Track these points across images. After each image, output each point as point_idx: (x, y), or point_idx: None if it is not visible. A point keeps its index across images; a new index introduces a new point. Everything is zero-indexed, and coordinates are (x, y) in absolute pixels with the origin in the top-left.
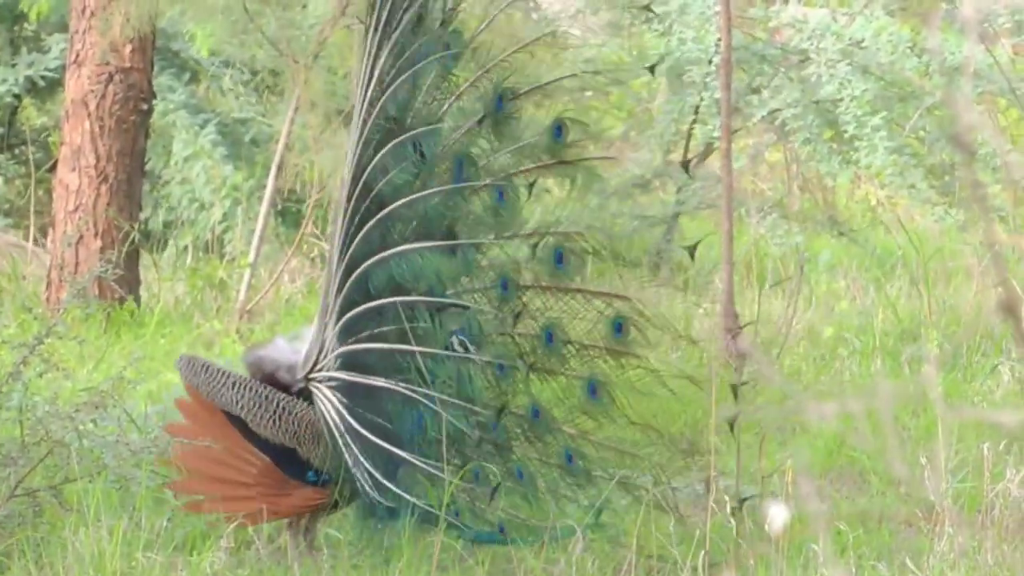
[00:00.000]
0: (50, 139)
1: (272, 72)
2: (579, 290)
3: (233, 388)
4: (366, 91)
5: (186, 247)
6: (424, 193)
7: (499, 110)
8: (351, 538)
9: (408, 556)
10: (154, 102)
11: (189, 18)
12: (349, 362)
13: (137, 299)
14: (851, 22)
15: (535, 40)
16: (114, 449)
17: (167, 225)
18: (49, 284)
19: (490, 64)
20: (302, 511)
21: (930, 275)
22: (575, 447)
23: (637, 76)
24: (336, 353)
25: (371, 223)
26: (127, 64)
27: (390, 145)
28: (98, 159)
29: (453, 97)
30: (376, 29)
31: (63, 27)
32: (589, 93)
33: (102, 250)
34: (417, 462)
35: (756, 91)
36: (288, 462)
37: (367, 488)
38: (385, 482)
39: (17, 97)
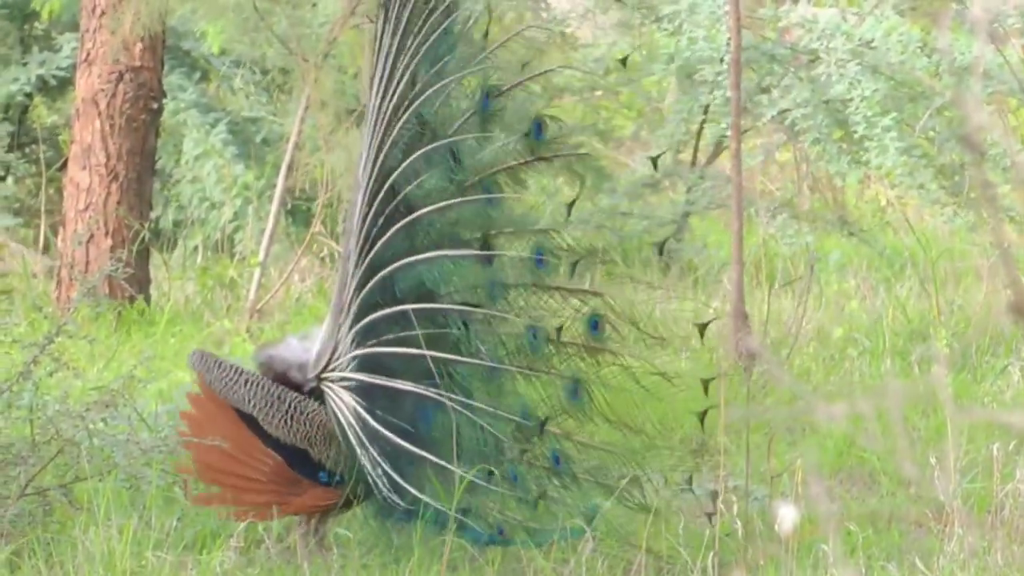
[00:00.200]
0: (61, 138)
1: (282, 71)
2: (557, 288)
3: (246, 386)
4: (383, 92)
5: (196, 246)
6: (457, 200)
7: (485, 108)
8: (361, 537)
9: (419, 555)
10: (164, 101)
11: (199, 16)
12: (368, 364)
13: (147, 298)
14: (861, 22)
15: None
16: (124, 448)
17: (177, 224)
18: (59, 283)
19: (523, 78)
20: (313, 511)
21: (940, 275)
22: (574, 449)
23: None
24: (352, 355)
25: (398, 226)
26: (137, 63)
27: (423, 150)
28: (108, 158)
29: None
30: (395, 31)
31: (74, 26)
32: (599, 92)
33: (112, 249)
34: (443, 463)
35: (766, 91)
36: (300, 462)
37: (384, 489)
38: (404, 483)
39: (28, 96)
